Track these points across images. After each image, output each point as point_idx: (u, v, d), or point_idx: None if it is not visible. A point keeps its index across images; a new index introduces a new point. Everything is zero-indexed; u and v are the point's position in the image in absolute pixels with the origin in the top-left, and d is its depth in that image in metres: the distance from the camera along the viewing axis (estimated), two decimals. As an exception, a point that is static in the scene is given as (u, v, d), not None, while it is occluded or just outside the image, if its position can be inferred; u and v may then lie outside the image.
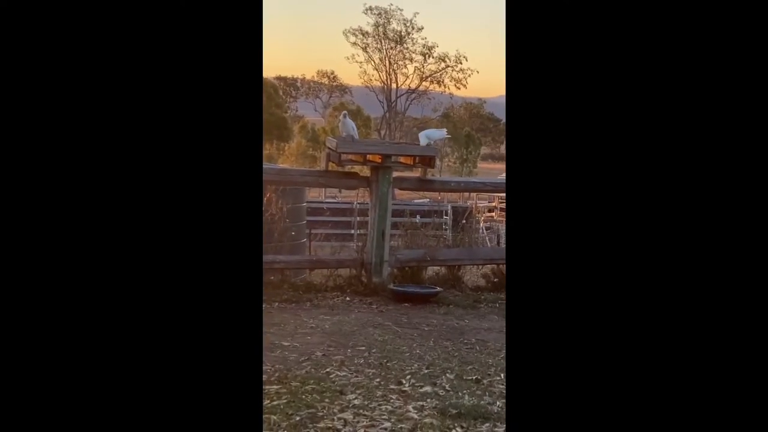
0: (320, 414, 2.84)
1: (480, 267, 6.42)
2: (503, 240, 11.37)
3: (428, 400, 3.09)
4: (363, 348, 3.94)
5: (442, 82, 42.36)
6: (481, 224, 13.25)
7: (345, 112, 6.11)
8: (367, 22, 41.81)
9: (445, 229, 10.82)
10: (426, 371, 3.54)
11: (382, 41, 41.53)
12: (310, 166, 26.79)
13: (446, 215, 13.75)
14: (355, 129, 5.86)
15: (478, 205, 16.78)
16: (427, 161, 5.79)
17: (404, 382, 3.34)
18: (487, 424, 2.82)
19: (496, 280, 6.06)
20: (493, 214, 16.70)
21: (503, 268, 6.08)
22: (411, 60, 42.03)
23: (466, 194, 18.65)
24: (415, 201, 17.09)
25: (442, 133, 6.38)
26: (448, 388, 3.28)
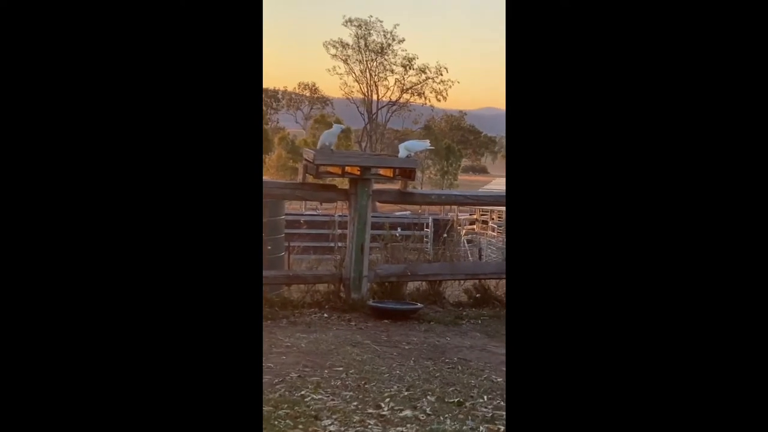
0: (293, 442, 2.67)
1: (462, 282, 6.27)
2: (485, 253, 11.27)
3: (408, 425, 2.93)
4: (340, 368, 3.77)
5: (423, 93, 42.37)
6: (463, 237, 13.13)
7: (342, 126, 5.99)
8: (348, 34, 41.82)
9: (426, 242, 10.69)
10: (406, 393, 3.38)
11: (363, 53, 41.51)
12: (291, 179, 26.55)
13: (427, 228, 13.63)
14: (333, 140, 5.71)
15: (460, 217, 16.69)
16: (407, 173, 5.63)
17: (383, 405, 3.18)
18: (470, 452, 2.66)
19: (478, 295, 5.91)
20: (474, 226, 16.63)
21: (486, 283, 5.94)
22: (392, 71, 42.04)
23: (448, 206, 18.55)
24: (396, 213, 16.97)
25: (424, 144, 6.18)
26: (429, 412, 3.12)
